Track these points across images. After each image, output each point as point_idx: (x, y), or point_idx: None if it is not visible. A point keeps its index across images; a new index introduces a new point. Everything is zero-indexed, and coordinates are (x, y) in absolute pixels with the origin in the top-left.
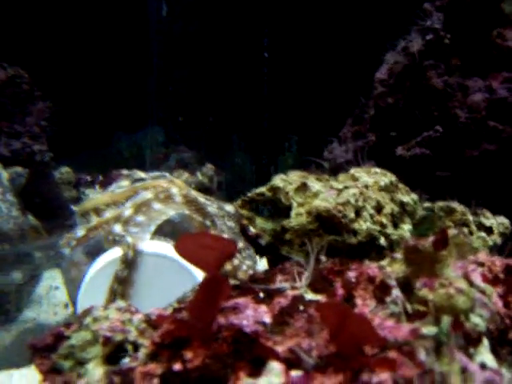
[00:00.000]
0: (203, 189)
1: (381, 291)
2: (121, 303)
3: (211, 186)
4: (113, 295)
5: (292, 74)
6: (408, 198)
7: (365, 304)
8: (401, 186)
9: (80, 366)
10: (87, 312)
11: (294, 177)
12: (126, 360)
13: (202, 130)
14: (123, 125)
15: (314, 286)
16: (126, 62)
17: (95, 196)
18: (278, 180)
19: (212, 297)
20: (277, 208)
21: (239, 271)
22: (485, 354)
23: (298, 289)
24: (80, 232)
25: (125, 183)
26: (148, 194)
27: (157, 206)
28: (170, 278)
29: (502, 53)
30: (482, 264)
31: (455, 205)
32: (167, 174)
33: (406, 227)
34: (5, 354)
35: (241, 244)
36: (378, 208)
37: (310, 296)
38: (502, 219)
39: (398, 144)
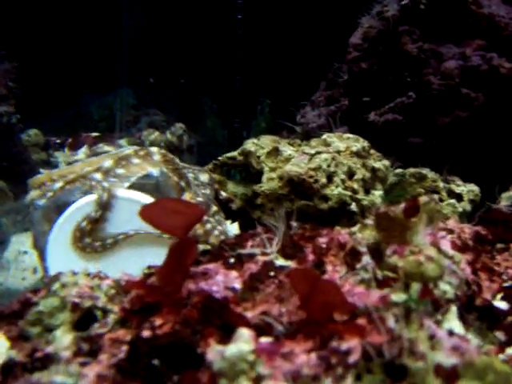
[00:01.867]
0: (173, 148)
1: (351, 258)
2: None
3: (180, 145)
4: (81, 233)
5: (265, 36)
6: (379, 163)
7: (335, 270)
8: (373, 151)
9: (48, 333)
10: (55, 278)
11: (266, 141)
12: (95, 326)
13: (173, 92)
14: (93, 86)
15: (284, 252)
16: (96, 22)
17: (52, 171)
18: (249, 144)
19: (180, 261)
20: (248, 172)
21: (211, 236)
22: (452, 321)
23: (268, 255)
24: (57, 184)
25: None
26: (127, 150)
27: (136, 160)
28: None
29: (477, 20)
30: (451, 231)
31: (426, 171)
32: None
33: (378, 193)
34: None
35: (214, 208)
36: (350, 174)
37: (280, 262)
38: (472, 186)
39: (371, 109)
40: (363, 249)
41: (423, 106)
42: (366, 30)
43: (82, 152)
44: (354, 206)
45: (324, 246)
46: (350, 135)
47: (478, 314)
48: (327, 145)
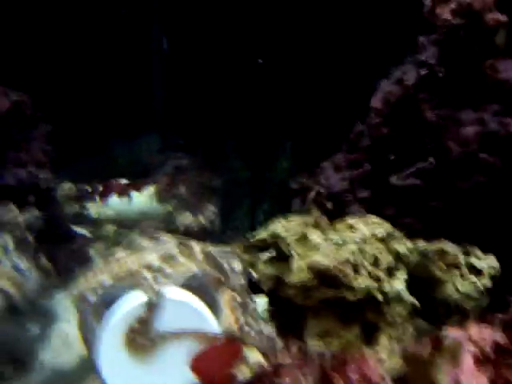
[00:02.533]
0: (206, 232)
1: None
2: None
3: (213, 229)
4: (132, 334)
5: (288, 82)
6: (404, 247)
7: None
8: (397, 234)
9: None
10: None
11: (295, 225)
12: None
13: (199, 136)
14: (119, 132)
15: None
16: (121, 68)
17: (86, 277)
18: (279, 228)
19: None
20: (277, 252)
21: (248, 337)
22: None
23: None
24: (106, 280)
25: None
26: (172, 249)
27: (181, 259)
28: (189, 325)
29: (494, 84)
30: (474, 342)
31: (447, 247)
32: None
33: (402, 277)
34: None
35: (251, 305)
36: (375, 262)
37: None
38: (492, 261)
39: (393, 174)
40: None
41: (443, 171)
42: (386, 96)
43: (112, 203)
44: (380, 297)
45: (355, 378)
46: (375, 219)
47: None
48: (353, 230)
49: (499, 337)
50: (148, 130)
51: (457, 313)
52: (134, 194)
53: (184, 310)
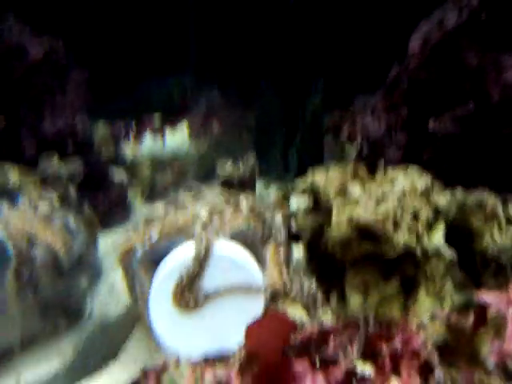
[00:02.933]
0: (245, 179)
1: (425, 369)
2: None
3: (252, 177)
4: (181, 289)
5: (323, 18)
6: (443, 199)
7: (410, 378)
8: (436, 185)
9: None
10: (164, 368)
11: (334, 177)
12: None
13: (232, 74)
14: (152, 71)
15: (363, 354)
16: (154, 6)
17: (134, 231)
18: (318, 178)
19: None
20: (316, 201)
21: (290, 292)
22: None
23: (350, 359)
24: (155, 235)
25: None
26: (219, 203)
27: (228, 213)
28: (236, 278)
29: None
30: None
31: (486, 197)
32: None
33: (441, 230)
34: (82, 355)
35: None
36: (415, 216)
37: (360, 366)
38: None
39: (431, 119)
40: (435, 361)
41: (482, 117)
42: (425, 38)
43: (146, 144)
44: (418, 251)
45: (399, 350)
46: (414, 170)
47: None
48: (393, 181)
49: None
50: (181, 69)
51: (494, 265)
52: (168, 134)
53: (231, 264)
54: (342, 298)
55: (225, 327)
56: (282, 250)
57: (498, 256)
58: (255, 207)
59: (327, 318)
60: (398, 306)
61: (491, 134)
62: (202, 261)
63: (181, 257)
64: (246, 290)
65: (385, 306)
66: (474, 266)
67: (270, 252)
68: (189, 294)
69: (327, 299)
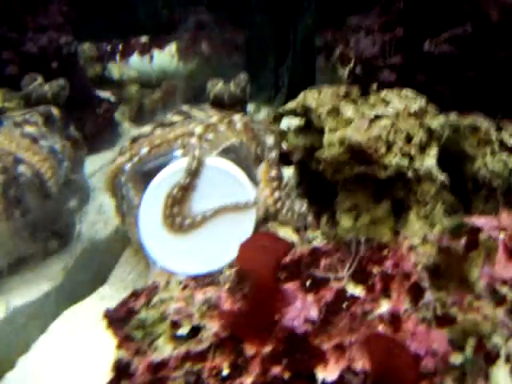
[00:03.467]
0: (236, 99)
1: (415, 291)
2: (181, 277)
3: (244, 97)
4: (172, 201)
5: None
6: (436, 122)
7: (399, 300)
8: (430, 108)
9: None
10: (154, 290)
11: (326, 97)
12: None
13: None
14: None
15: (355, 276)
16: None
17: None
18: (309, 99)
19: (266, 305)
20: (308, 122)
21: (280, 214)
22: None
23: (340, 280)
24: (144, 149)
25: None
26: (214, 118)
27: (222, 128)
28: (227, 191)
29: None
30: (503, 229)
31: (480, 122)
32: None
33: (433, 153)
34: (72, 278)
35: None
36: (408, 138)
37: (351, 288)
38: None
39: (427, 39)
40: (425, 284)
41: (480, 39)
42: None
43: (134, 63)
44: (410, 174)
45: (390, 271)
46: (409, 92)
47: None
48: (386, 103)
49: None
50: None
51: (485, 189)
52: (156, 52)
53: (223, 176)
54: (333, 220)
55: (217, 245)
56: (274, 168)
57: (490, 181)
58: (249, 125)
59: (317, 240)
60: (388, 229)
61: (489, 56)
62: (193, 173)
63: (171, 169)
64: (238, 206)
65: (375, 228)
66: (465, 190)
67: (262, 170)
68: (178, 213)
69: (318, 221)
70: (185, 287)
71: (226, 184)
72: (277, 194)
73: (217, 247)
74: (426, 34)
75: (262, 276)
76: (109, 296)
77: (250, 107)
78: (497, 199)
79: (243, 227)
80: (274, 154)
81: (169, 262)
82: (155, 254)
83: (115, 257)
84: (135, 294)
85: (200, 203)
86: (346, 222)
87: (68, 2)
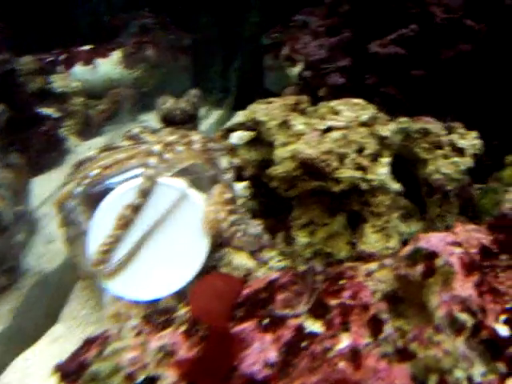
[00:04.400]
0: (187, 116)
1: (374, 324)
2: (133, 322)
3: (195, 113)
4: (123, 220)
5: None
6: (387, 131)
7: (359, 333)
8: (380, 116)
9: None
10: (105, 341)
11: (276, 110)
12: None
13: None
14: None
15: (312, 311)
16: None
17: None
18: (259, 111)
19: (222, 354)
20: (259, 135)
21: (234, 239)
22: None
23: (298, 316)
24: (94, 171)
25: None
26: (172, 137)
27: (180, 148)
28: (181, 212)
29: None
30: (459, 244)
31: (430, 125)
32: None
33: (386, 162)
34: (21, 318)
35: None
36: (360, 149)
37: (309, 324)
38: (475, 140)
39: (374, 41)
40: (385, 316)
41: (426, 39)
42: None
43: (77, 73)
44: (364, 186)
45: (348, 302)
46: (359, 101)
47: (483, 345)
48: (336, 113)
49: (485, 241)
50: None
51: (438, 192)
52: (99, 60)
53: (175, 196)
54: (289, 237)
55: (169, 269)
56: (229, 191)
57: (443, 184)
58: (206, 146)
59: (274, 260)
60: (345, 243)
61: (436, 55)
62: (145, 193)
63: (121, 190)
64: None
65: (331, 242)
66: (420, 194)
67: (216, 192)
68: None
69: (273, 238)
70: (138, 333)
71: (179, 204)
72: (231, 218)
73: (169, 271)
74: (373, 35)
75: (216, 322)
76: (62, 336)
77: (200, 111)
78: (451, 203)
79: (195, 249)
80: (228, 176)
81: (120, 287)
82: (106, 283)
83: (66, 291)
84: (87, 344)
85: (150, 223)
86: (302, 238)
87: (2, 18)
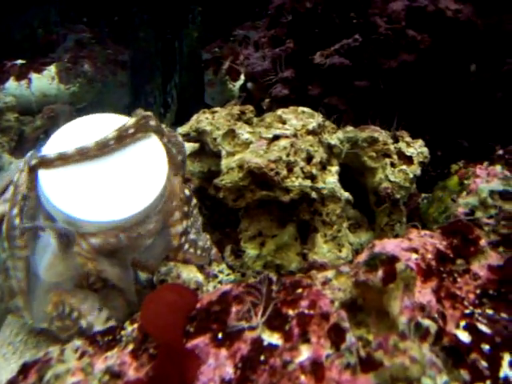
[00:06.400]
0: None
1: (335, 333)
2: (77, 342)
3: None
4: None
5: None
6: (335, 139)
7: (320, 344)
8: (327, 123)
9: None
10: (46, 366)
11: (221, 120)
12: None
13: (101, 4)
14: (10, 3)
15: (269, 323)
16: None
17: None
18: (203, 121)
19: (175, 370)
20: (203, 146)
21: (181, 252)
22: None
23: (255, 329)
24: None
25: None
26: None
27: None
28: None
29: None
30: (415, 250)
31: (377, 134)
32: None
33: (334, 170)
34: None
35: (193, 201)
36: (308, 157)
37: (267, 336)
38: (421, 147)
39: (317, 52)
40: (346, 324)
41: (370, 49)
42: None
43: (10, 88)
44: (314, 195)
45: (306, 312)
46: (305, 109)
47: (445, 352)
48: (283, 122)
49: (440, 246)
50: (42, 1)
51: (388, 202)
52: (34, 75)
53: None
54: (237, 249)
55: (125, 186)
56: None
57: (392, 192)
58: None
59: (223, 274)
60: (296, 254)
61: (380, 65)
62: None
63: None
64: None
65: (282, 254)
66: (367, 205)
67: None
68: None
69: (221, 251)
70: (82, 355)
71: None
72: (184, 224)
73: (126, 194)
74: (316, 46)
75: (169, 337)
76: None
77: None
78: (400, 210)
79: (153, 176)
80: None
81: (76, 208)
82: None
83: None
84: (25, 370)
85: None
86: (251, 250)
87: None
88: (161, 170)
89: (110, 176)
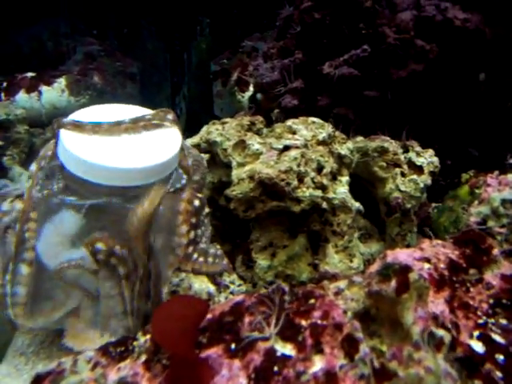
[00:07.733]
0: None
1: (349, 344)
2: (89, 353)
3: None
4: None
5: None
6: (345, 149)
7: (333, 354)
8: (337, 134)
9: None
10: (60, 377)
11: (231, 130)
12: None
13: (109, 17)
14: (18, 16)
15: (282, 333)
16: None
17: None
18: (213, 132)
19: (188, 381)
20: (213, 157)
21: (189, 262)
22: None
23: (268, 339)
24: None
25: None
26: None
27: None
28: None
29: None
30: (427, 260)
31: (387, 144)
32: None
33: (345, 181)
34: None
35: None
36: (319, 168)
37: (280, 347)
38: (431, 157)
39: (326, 62)
40: (359, 335)
41: (378, 59)
42: None
43: (21, 101)
44: (324, 205)
45: (319, 322)
46: (315, 119)
47: (459, 362)
48: (293, 133)
49: (453, 256)
50: (52, 14)
51: (399, 212)
52: (44, 88)
53: None
54: (249, 261)
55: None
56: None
57: (403, 202)
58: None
59: (235, 285)
60: (307, 264)
61: (389, 75)
62: None
63: None
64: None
65: (293, 264)
66: (378, 215)
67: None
68: None
69: (232, 262)
70: (95, 366)
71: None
72: (191, 235)
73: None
74: (325, 56)
75: (181, 348)
76: (8, 375)
77: None
78: (411, 220)
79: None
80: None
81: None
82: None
83: (9, 327)
84: (37, 381)
85: None
86: (262, 261)
87: None
88: (175, 143)
89: (130, 145)
